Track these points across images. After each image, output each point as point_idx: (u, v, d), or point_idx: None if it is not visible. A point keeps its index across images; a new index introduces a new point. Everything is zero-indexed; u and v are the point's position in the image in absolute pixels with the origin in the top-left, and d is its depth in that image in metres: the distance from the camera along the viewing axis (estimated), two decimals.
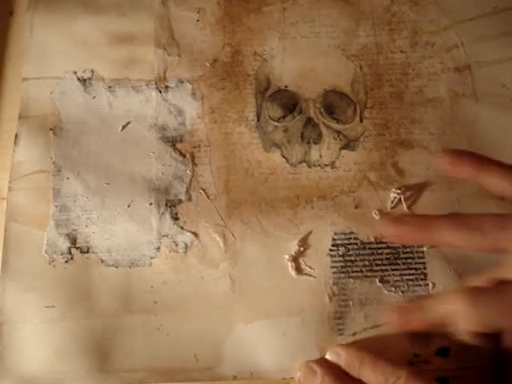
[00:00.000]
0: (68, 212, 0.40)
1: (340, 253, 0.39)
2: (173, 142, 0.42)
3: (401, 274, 0.38)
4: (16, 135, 0.42)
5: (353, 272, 0.38)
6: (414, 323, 0.33)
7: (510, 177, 0.32)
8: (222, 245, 0.39)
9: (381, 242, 0.39)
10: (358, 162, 0.41)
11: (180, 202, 0.40)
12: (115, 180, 0.41)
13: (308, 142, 0.41)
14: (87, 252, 0.39)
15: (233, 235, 0.39)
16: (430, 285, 0.38)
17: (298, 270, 0.38)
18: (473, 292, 0.30)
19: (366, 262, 0.38)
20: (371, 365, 0.32)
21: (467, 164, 0.34)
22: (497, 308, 0.29)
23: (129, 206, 0.40)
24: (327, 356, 0.35)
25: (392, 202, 0.39)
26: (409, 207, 0.39)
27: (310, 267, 0.38)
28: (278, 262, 0.38)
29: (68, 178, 0.41)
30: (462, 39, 0.44)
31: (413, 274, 0.38)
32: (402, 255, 0.38)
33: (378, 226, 0.39)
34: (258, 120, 0.42)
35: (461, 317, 0.30)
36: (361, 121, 0.42)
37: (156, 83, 0.43)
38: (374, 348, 0.33)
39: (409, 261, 0.38)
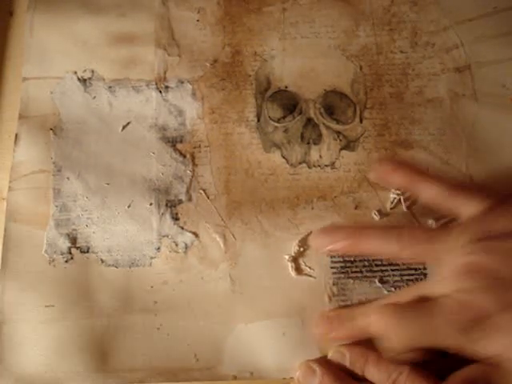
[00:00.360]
0: (68, 212, 0.40)
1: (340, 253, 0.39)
2: (173, 142, 0.42)
3: (401, 275, 0.38)
4: (16, 135, 0.42)
5: (352, 272, 0.38)
6: (337, 333, 0.34)
7: (441, 187, 0.33)
8: (222, 245, 0.39)
9: None
10: (357, 162, 0.41)
11: (180, 202, 0.40)
12: (115, 180, 0.41)
13: (308, 143, 0.41)
14: (87, 252, 0.39)
15: (233, 235, 0.39)
16: None
17: (298, 270, 0.38)
18: (395, 309, 0.31)
19: (366, 263, 0.38)
20: (375, 362, 0.32)
21: (400, 173, 0.34)
22: (417, 326, 0.30)
23: (129, 206, 0.40)
24: (330, 356, 0.35)
25: (392, 202, 0.40)
26: (408, 208, 0.39)
27: (310, 267, 0.38)
28: (278, 262, 0.38)
29: (68, 178, 0.41)
30: (462, 39, 0.44)
31: (413, 274, 0.38)
32: None
33: (311, 240, 0.38)
34: (258, 120, 0.42)
35: (384, 334, 0.30)
36: (361, 121, 0.42)
37: (156, 83, 0.43)
38: (375, 348, 0.33)
39: None
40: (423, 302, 0.31)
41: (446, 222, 0.38)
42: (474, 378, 0.30)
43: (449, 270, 0.31)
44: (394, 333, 0.30)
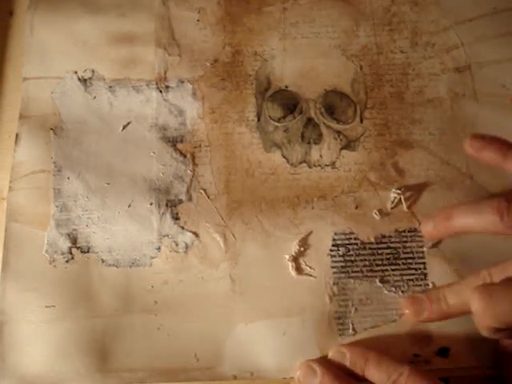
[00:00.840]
0: (68, 212, 0.40)
1: (340, 253, 0.39)
2: (173, 142, 0.42)
3: (401, 274, 0.38)
4: (17, 135, 0.42)
5: (353, 272, 0.38)
6: (429, 314, 0.34)
7: None
8: (222, 245, 0.39)
9: (381, 242, 0.39)
10: (358, 162, 0.41)
11: (180, 201, 0.40)
12: (116, 180, 0.41)
13: (308, 142, 0.41)
14: (88, 252, 0.39)
15: (233, 235, 0.39)
16: (430, 285, 0.38)
17: (299, 270, 0.38)
18: (487, 289, 0.30)
19: (366, 262, 0.38)
20: (375, 362, 0.32)
21: (493, 149, 0.34)
22: (510, 304, 0.29)
23: (129, 206, 0.40)
24: (330, 355, 0.35)
25: (392, 202, 0.40)
26: (409, 207, 0.39)
27: (311, 267, 0.38)
28: (278, 262, 0.38)
29: (68, 178, 0.41)
30: (462, 39, 0.44)
31: (413, 274, 0.38)
32: (402, 255, 0.39)
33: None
34: (259, 120, 0.42)
35: (477, 313, 0.30)
36: (361, 121, 0.42)
37: (156, 83, 0.43)
38: (375, 348, 0.34)
39: (409, 261, 0.38)
40: None
41: None
42: None
43: None
44: (488, 311, 0.29)
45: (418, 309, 0.35)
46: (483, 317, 0.30)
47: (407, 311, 0.36)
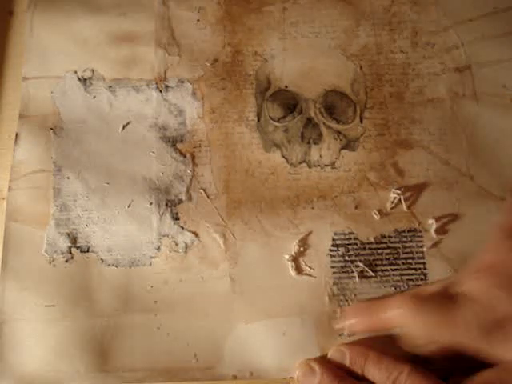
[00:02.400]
0: (68, 211, 0.40)
1: (340, 253, 0.39)
2: (173, 141, 0.42)
3: (401, 274, 0.38)
4: (16, 135, 0.42)
5: (352, 272, 0.38)
6: (364, 325, 0.34)
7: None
8: (222, 245, 0.39)
9: (380, 242, 0.39)
10: (358, 162, 0.41)
11: (180, 201, 0.40)
12: (115, 180, 0.41)
13: (308, 142, 0.41)
14: (87, 251, 0.39)
15: (233, 235, 0.39)
16: None
17: (298, 270, 0.38)
18: (416, 299, 0.31)
19: (366, 262, 0.38)
20: (375, 361, 0.32)
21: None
22: (437, 318, 0.30)
23: (129, 206, 0.40)
24: (330, 355, 0.35)
25: (392, 202, 0.40)
26: (409, 207, 0.39)
27: (310, 267, 0.38)
28: (278, 261, 0.38)
29: (68, 178, 0.41)
30: (462, 39, 0.44)
31: (413, 274, 0.38)
32: (401, 255, 0.39)
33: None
34: (259, 120, 0.42)
35: (404, 324, 0.30)
36: (361, 121, 0.42)
37: (156, 83, 0.43)
38: (375, 348, 0.33)
39: (409, 261, 0.38)
40: (446, 295, 0.31)
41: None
42: (491, 383, 0.29)
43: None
44: (414, 322, 0.30)
45: (354, 320, 0.35)
46: (410, 326, 0.30)
47: (342, 323, 0.36)
